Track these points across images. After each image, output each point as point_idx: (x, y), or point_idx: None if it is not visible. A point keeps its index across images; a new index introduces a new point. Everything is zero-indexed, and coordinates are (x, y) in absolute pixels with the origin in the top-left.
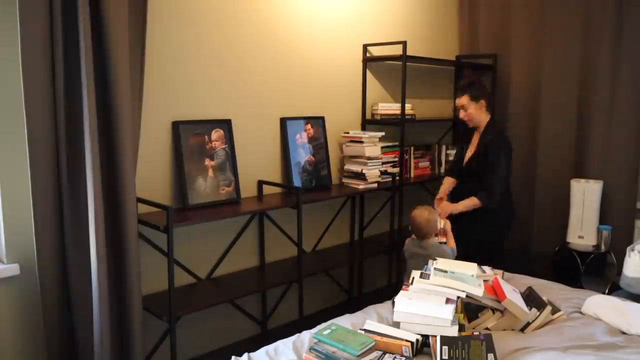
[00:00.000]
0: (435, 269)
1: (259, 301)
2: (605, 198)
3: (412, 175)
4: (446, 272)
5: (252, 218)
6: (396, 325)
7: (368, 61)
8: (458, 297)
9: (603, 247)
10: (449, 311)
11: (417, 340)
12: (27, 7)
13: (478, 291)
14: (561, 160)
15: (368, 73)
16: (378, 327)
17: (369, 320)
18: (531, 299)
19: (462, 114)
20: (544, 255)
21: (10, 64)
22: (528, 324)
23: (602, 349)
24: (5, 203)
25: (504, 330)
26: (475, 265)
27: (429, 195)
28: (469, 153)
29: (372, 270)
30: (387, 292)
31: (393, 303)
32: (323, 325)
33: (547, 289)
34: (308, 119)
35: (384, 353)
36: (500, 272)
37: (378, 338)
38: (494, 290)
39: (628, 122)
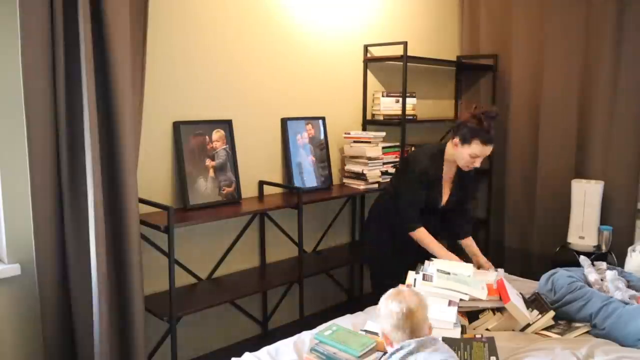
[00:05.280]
0: (438, 270)
1: (259, 301)
2: (606, 198)
3: None
4: (449, 274)
5: (252, 218)
6: None
7: (369, 61)
8: (461, 300)
9: (604, 248)
10: (451, 313)
11: None
12: (27, 7)
13: (482, 294)
14: (562, 161)
15: (369, 73)
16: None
17: (369, 320)
18: (536, 303)
19: (479, 163)
20: (545, 256)
21: (11, 64)
22: (528, 325)
23: (602, 345)
24: (6, 203)
25: (505, 330)
26: (470, 265)
27: None
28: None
29: None
30: None
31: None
32: (324, 325)
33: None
34: (309, 120)
35: (385, 354)
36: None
37: (379, 339)
38: (499, 292)
39: (629, 122)
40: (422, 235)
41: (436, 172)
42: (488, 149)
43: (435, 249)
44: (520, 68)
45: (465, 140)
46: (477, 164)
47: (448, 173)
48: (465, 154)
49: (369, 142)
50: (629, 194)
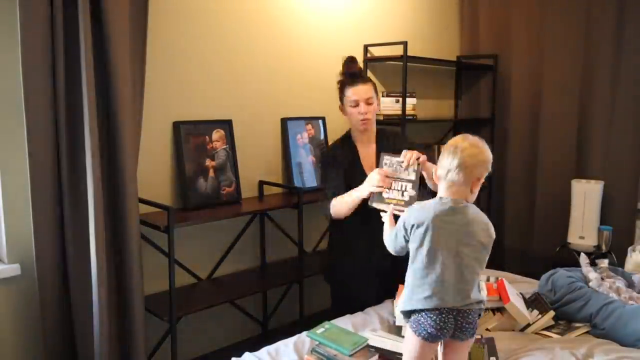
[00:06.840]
0: None
1: (259, 301)
2: (606, 198)
3: None
4: None
5: (252, 218)
6: (398, 328)
7: (369, 61)
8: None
9: (604, 248)
10: None
11: None
12: (27, 6)
13: (480, 295)
14: (562, 161)
15: (369, 73)
16: (381, 343)
17: (370, 334)
18: (536, 303)
19: (367, 109)
20: (545, 256)
21: (11, 65)
22: (528, 325)
23: (602, 345)
24: (6, 203)
25: (505, 330)
26: None
27: (428, 195)
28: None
29: None
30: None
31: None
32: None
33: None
34: (309, 120)
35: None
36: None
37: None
38: (499, 292)
39: (629, 122)
40: (335, 204)
41: (349, 155)
42: (361, 88)
43: (352, 195)
44: (520, 68)
45: (342, 98)
46: (363, 109)
47: (367, 158)
48: (350, 110)
49: None
50: (629, 194)
